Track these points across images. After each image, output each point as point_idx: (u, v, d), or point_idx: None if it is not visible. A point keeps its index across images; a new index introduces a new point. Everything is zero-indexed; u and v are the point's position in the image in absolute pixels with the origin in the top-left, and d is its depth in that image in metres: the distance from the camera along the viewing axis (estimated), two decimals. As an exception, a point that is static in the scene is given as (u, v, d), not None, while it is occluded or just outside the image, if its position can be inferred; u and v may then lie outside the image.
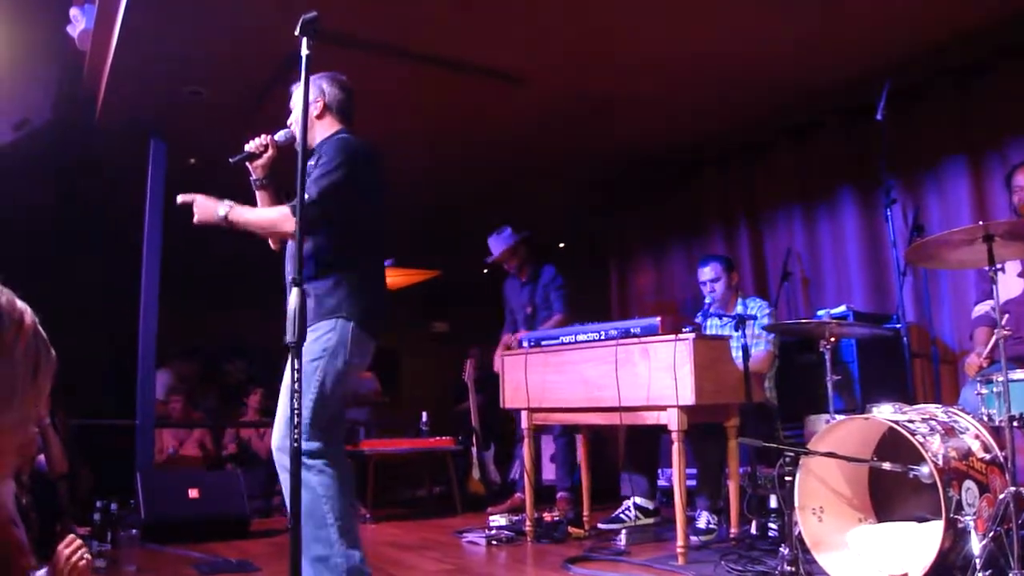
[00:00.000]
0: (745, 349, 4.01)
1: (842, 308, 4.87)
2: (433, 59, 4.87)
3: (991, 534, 2.61)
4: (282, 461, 2.78)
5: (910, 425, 2.87)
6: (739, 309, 4.78)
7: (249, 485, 5.30)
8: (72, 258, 7.65)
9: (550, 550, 4.24)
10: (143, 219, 5.51)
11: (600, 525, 4.69)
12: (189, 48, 4.67)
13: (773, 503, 4.00)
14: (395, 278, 9.50)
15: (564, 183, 7.41)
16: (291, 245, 2.93)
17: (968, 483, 2.76)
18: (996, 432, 2.96)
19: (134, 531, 4.10)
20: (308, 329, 2.23)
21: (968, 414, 3.12)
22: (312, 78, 2.42)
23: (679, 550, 3.66)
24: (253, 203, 2.97)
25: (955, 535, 2.65)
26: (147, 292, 5.43)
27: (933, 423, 2.95)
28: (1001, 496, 2.71)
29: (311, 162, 2.80)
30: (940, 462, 2.73)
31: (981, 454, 2.90)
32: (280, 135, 2.97)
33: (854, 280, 5.52)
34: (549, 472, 6.38)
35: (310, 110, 2.77)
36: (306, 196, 2.74)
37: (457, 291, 10.98)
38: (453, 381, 8.18)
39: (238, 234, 2.85)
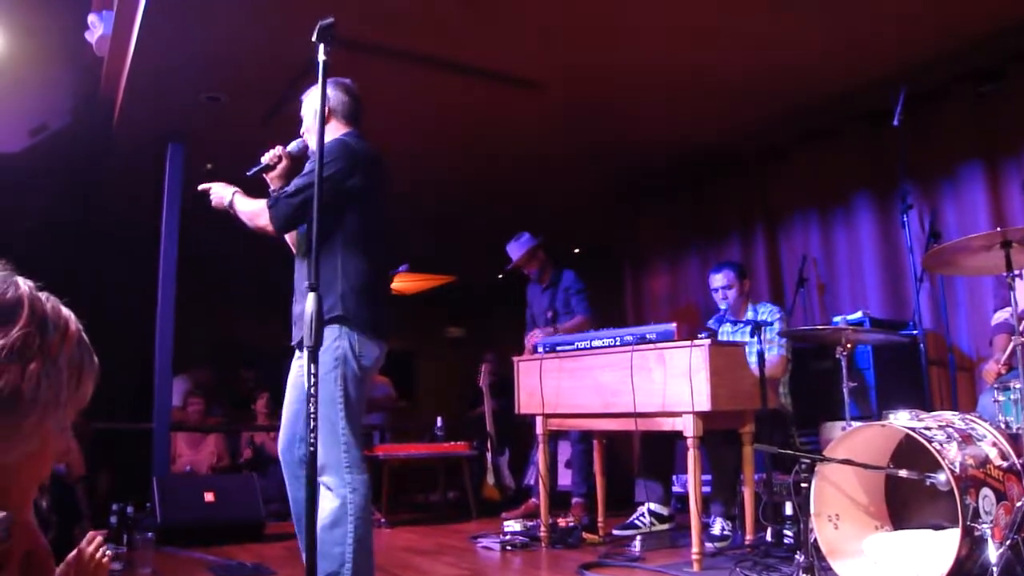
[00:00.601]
0: (761, 355, 4.00)
1: (858, 314, 4.83)
2: (451, 65, 4.89)
3: (1008, 542, 2.59)
4: (292, 467, 2.79)
5: (927, 432, 2.86)
6: (750, 315, 4.76)
7: (265, 489, 5.32)
8: (91, 262, 7.70)
9: (565, 556, 4.24)
10: (160, 224, 5.55)
11: (615, 531, 4.69)
12: (206, 54, 4.71)
13: (788, 510, 3.98)
14: (411, 283, 9.53)
15: (580, 189, 7.41)
16: (296, 248, 2.96)
17: (985, 491, 2.74)
18: (1014, 439, 2.95)
19: (150, 534, 4.13)
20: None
21: (985, 421, 3.09)
22: (316, 85, 2.43)
23: (694, 556, 3.65)
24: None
25: (972, 543, 2.63)
26: (163, 298, 5.44)
27: (950, 430, 2.93)
28: (1019, 504, 2.70)
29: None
30: (957, 469, 2.71)
31: (998, 461, 2.88)
32: (292, 146, 3.00)
33: (870, 286, 5.48)
34: (564, 477, 6.38)
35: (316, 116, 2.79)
36: (284, 190, 2.78)
37: (473, 296, 11.00)
38: (468, 386, 8.19)
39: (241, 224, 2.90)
